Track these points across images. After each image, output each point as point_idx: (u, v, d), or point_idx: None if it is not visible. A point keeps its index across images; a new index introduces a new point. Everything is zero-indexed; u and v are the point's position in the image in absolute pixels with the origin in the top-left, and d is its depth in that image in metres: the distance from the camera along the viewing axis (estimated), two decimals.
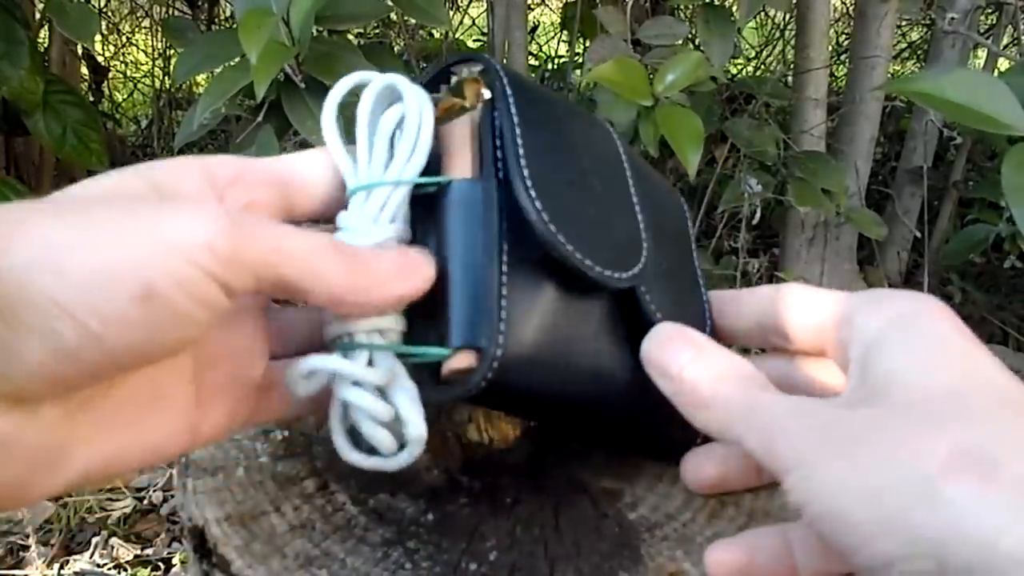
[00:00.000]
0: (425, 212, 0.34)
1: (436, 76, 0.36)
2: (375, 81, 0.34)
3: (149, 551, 1.27)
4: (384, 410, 0.31)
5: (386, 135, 0.34)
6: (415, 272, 0.31)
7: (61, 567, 1.23)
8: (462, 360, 0.31)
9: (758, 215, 1.34)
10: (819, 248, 1.55)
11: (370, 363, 0.32)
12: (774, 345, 0.37)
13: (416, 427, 0.32)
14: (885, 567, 0.25)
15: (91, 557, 1.25)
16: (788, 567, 0.32)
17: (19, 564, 1.22)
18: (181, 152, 1.56)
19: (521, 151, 0.33)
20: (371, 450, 0.33)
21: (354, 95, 0.35)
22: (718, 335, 0.39)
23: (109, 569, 1.24)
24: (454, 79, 0.36)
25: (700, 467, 0.38)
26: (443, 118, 0.35)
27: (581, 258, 0.33)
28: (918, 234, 1.60)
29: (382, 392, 0.32)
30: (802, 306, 0.35)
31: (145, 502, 1.35)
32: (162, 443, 0.30)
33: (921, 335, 0.30)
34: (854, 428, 0.28)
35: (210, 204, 0.27)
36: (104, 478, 0.29)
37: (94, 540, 1.28)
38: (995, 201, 1.43)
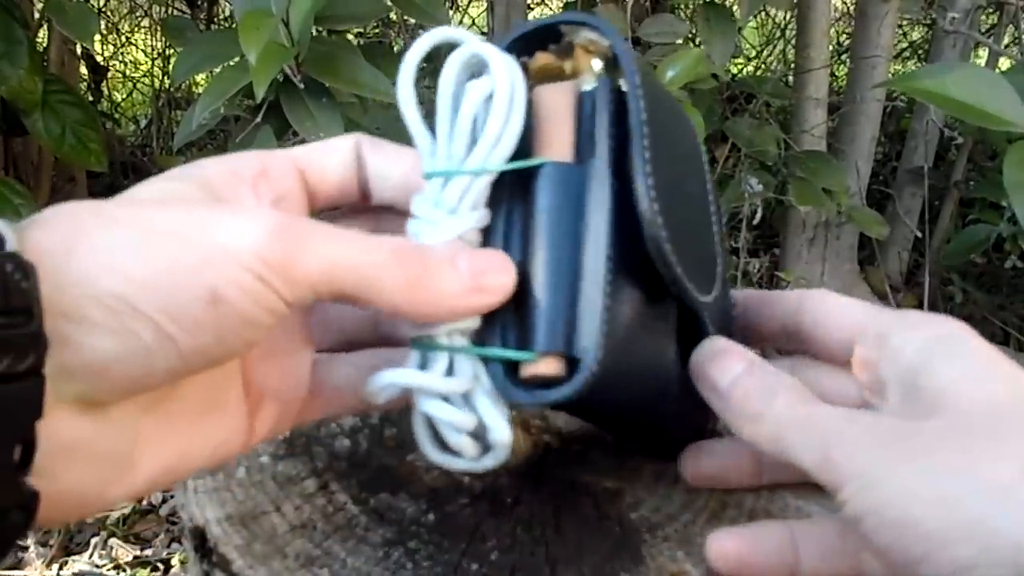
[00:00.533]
0: (508, 188, 0.31)
1: (531, 33, 0.32)
2: (462, 48, 0.31)
3: (148, 551, 1.27)
4: (467, 420, 0.30)
5: (470, 113, 0.30)
6: (492, 286, 0.30)
7: (60, 568, 1.23)
8: (548, 366, 0.30)
9: (759, 215, 1.34)
10: (820, 248, 1.55)
11: (450, 366, 0.30)
12: (796, 350, 0.37)
13: (500, 433, 0.30)
14: (957, 573, 0.25)
15: (90, 558, 1.25)
16: (790, 564, 0.32)
17: (18, 564, 1.22)
18: (180, 152, 1.56)
19: (648, 153, 0.30)
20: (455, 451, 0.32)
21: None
22: (744, 335, 0.39)
23: (108, 570, 1.24)
24: (565, 40, 0.32)
25: (700, 460, 0.38)
26: (536, 80, 0.32)
27: (687, 283, 0.31)
28: (919, 234, 1.60)
29: (465, 398, 0.31)
30: (828, 317, 0.35)
31: (144, 502, 1.35)
32: (221, 445, 0.30)
33: (967, 353, 0.30)
34: (919, 437, 0.28)
35: (263, 211, 0.27)
36: (168, 483, 0.29)
37: (93, 541, 1.28)
38: (996, 201, 1.43)
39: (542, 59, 0.32)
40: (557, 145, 0.31)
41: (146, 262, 0.24)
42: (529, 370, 0.30)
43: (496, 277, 0.30)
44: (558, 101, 0.31)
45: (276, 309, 0.26)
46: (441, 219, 0.30)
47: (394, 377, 0.30)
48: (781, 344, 0.38)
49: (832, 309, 0.35)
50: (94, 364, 0.24)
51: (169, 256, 0.25)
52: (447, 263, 0.29)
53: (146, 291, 0.24)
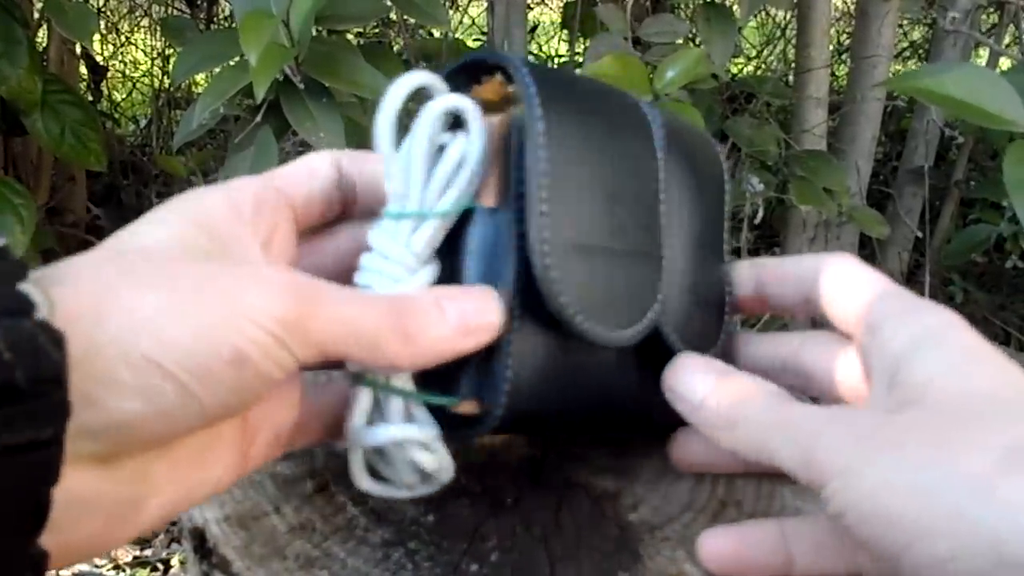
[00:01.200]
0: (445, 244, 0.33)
1: (470, 64, 0.34)
2: (439, 101, 0.32)
3: (148, 552, 1.27)
4: (434, 461, 0.33)
5: (449, 168, 0.32)
6: (479, 326, 0.31)
7: (60, 568, 1.23)
8: (469, 407, 0.32)
9: (760, 214, 1.34)
10: (820, 247, 1.54)
11: (405, 408, 0.32)
12: (820, 317, 0.38)
13: (450, 472, 0.33)
14: (936, 565, 0.25)
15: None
16: (783, 561, 0.32)
17: None
18: (180, 152, 1.56)
19: (544, 207, 0.31)
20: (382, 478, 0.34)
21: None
22: (760, 304, 0.40)
23: (108, 570, 1.24)
24: (485, 78, 0.34)
25: (688, 447, 0.39)
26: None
27: (591, 328, 0.32)
28: (919, 234, 1.60)
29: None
30: (838, 295, 0.35)
31: None
32: (221, 477, 0.31)
33: (953, 345, 0.30)
34: (897, 429, 0.28)
35: (281, 274, 0.28)
36: (167, 521, 0.30)
37: None
38: (997, 201, 1.43)
39: (484, 88, 0.33)
40: (485, 186, 0.33)
41: (174, 323, 0.25)
42: (454, 409, 0.33)
43: (483, 316, 0.31)
44: (492, 135, 0.33)
45: (288, 367, 0.27)
46: (415, 265, 0.32)
47: (391, 433, 0.32)
48: (803, 313, 0.39)
49: (843, 288, 0.35)
50: (119, 424, 0.24)
51: (196, 317, 0.26)
52: (434, 309, 0.30)
53: (175, 352, 0.25)
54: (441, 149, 0.33)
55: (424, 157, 0.32)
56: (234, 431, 0.31)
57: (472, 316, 0.30)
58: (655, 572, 0.34)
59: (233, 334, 0.26)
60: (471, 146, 0.32)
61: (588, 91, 0.34)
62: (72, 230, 1.54)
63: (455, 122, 0.33)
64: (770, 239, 1.78)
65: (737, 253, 1.40)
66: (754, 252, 1.56)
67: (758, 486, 0.39)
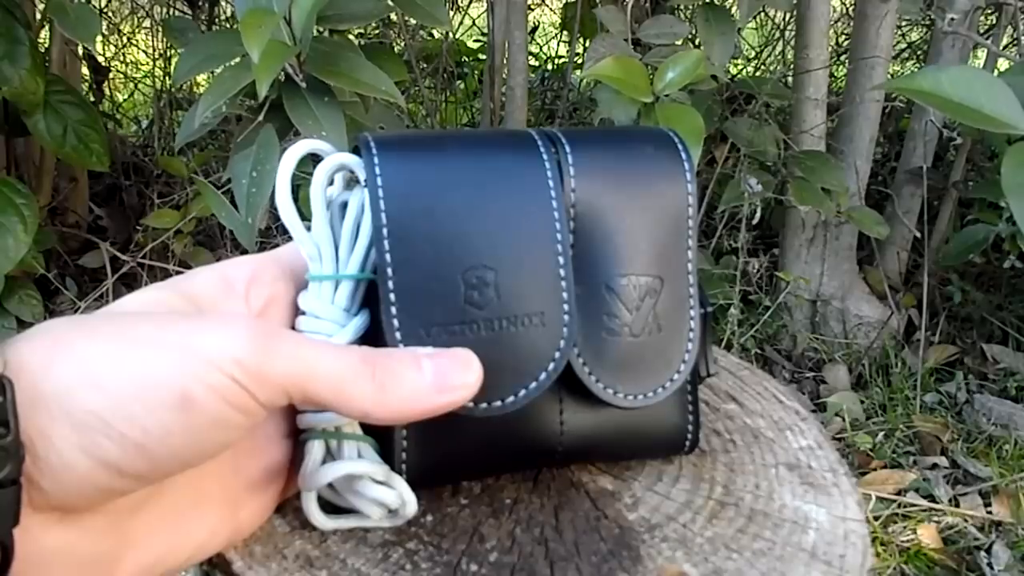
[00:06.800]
0: (367, 293, 0.35)
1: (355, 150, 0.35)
2: (326, 162, 0.34)
3: None
4: (394, 496, 0.34)
5: (352, 221, 0.34)
6: (457, 385, 0.31)
7: None
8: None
9: (758, 215, 1.34)
10: (819, 248, 1.55)
11: (359, 454, 0.34)
12: None
13: (413, 506, 0.34)
14: None
15: None
16: None
17: None
18: (181, 152, 1.56)
19: (393, 296, 0.32)
20: (336, 510, 0.35)
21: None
22: None
23: None
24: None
25: None
26: None
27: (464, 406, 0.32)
28: (918, 234, 1.60)
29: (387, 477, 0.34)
30: None
31: None
32: (206, 541, 0.31)
33: None
34: None
35: (242, 318, 0.28)
36: None
37: None
38: (995, 201, 1.43)
39: None
40: None
41: (119, 371, 0.25)
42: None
43: (460, 376, 0.31)
44: None
45: (250, 410, 0.27)
46: (344, 320, 0.34)
47: (346, 467, 0.33)
48: None
49: None
50: (63, 478, 0.25)
51: (142, 363, 0.25)
52: (411, 366, 0.30)
53: (117, 402, 0.25)
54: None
55: (322, 215, 0.34)
56: (224, 495, 0.32)
57: (450, 375, 0.30)
58: (655, 572, 0.34)
59: (182, 377, 0.26)
60: (367, 194, 0.33)
61: (446, 167, 0.34)
62: (74, 230, 1.54)
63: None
64: (769, 239, 1.78)
65: (735, 253, 1.40)
66: (752, 252, 1.56)
67: (757, 486, 0.40)
